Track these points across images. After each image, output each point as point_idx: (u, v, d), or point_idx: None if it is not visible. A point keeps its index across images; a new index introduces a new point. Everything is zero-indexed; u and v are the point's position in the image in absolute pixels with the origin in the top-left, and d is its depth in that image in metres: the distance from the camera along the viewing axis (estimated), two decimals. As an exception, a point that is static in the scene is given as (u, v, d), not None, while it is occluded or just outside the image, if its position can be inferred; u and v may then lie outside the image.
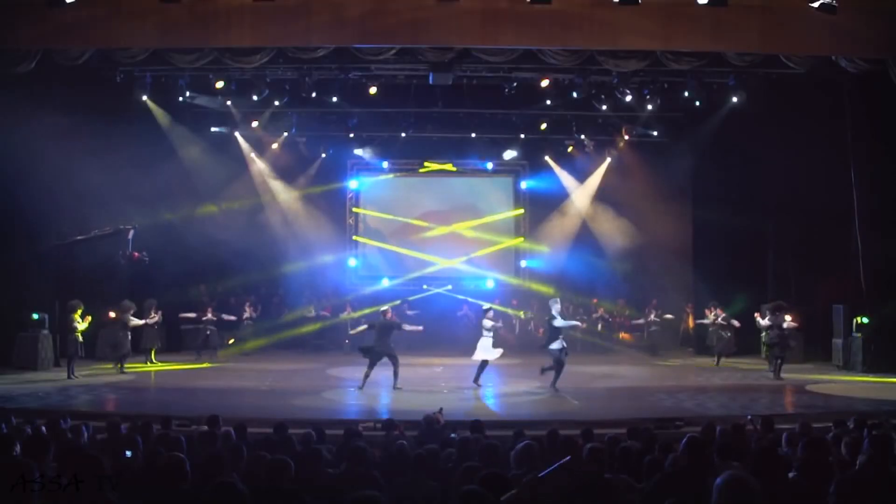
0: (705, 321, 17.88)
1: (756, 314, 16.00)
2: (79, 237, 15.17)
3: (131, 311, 16.01)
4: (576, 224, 21.99)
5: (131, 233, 15.25)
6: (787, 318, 15.64)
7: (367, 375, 13.59)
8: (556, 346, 13.61)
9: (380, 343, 13.78)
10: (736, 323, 17.03)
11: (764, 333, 15.83)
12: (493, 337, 14.46)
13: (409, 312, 19.61)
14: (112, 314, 17.25)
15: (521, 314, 20.20)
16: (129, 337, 15.82)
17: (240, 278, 20.39)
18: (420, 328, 15.34)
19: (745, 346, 17.56)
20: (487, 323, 14.49)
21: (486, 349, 14.27)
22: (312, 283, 20.84)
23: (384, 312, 14.63)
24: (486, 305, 15.85)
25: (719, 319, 17.47)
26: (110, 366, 15.71)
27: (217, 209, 19.44)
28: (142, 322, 16.19)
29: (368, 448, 6.03)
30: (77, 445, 6.47)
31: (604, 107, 17.77)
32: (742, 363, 17.24)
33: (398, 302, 20.04)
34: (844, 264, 16.24)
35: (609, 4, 11.75)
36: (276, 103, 17.64)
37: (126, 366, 15.64)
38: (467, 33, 12.47)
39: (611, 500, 4.44)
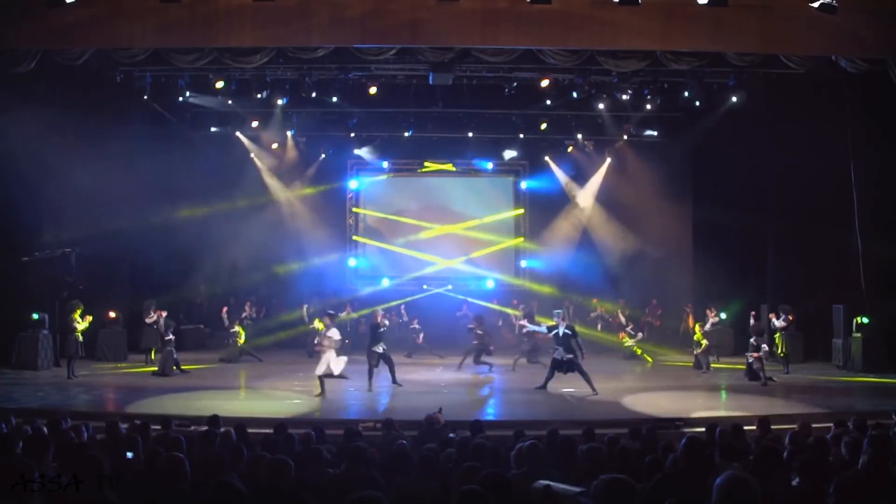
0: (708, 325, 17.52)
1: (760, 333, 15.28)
2: (25, 258, 15.01)
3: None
4: (576, 224, 22.02)
5: (73, 256, 15.11)
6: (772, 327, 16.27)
7: (370, 376, 13.66)
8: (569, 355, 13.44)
9: (371, 344, 13.93)
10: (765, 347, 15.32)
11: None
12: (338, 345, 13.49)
13: (412, 325, 19.60)
14: (112, 314, 17.27)
15: (519, 313, 20.17)
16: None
17: (240, 278, 20.40)
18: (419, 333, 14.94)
19: (744, 346, 17.53)
20: (333, 334, 13.44)
21: (331, 360, 13.25)
22: (313, 283, 20.84)
23: (374, 314, 14.67)
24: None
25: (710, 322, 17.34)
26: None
27: (217, 209, 19.43)
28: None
29: (368, 448, 6.03)
30: (77, 445, 6.47)
31: (603, 106, 17.76)
32: (742, 363, 17.22)
33: (397, 302, 20.06)
34: (844, 264, 16.22)
35: (609, 4, 11.74)
36: (277, 103, 17.66)
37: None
38: (467, 33, 12.46)
39: None
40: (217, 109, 18.58)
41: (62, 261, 15.33)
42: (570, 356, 13.35)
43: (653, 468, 5.48)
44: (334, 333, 13.38)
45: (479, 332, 16.41)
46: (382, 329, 14.17)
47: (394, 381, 13.87)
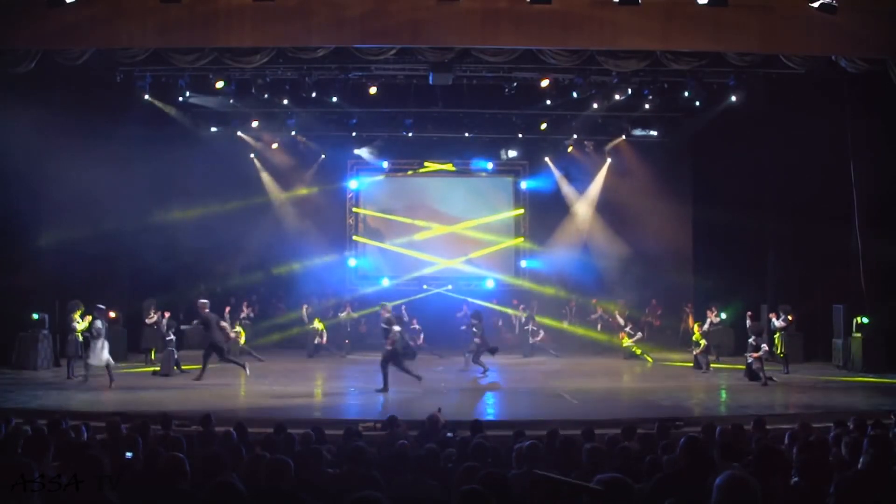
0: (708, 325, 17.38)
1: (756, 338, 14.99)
2: None
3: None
4: (576, 224, 22.03)
5: None
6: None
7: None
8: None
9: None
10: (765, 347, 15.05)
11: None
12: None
13: (412, 326, 19.58)
14: (112, 314, 17.24)
15: (523, 315, 20.13)
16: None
17: (240, 278, 20.40)
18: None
19: (744, 346, 17.53)
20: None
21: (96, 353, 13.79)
22: (313, 283, 20.85)
23: (202, 306, 15.03)
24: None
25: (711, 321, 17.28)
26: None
27: (216, 209, 19.43)
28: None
29: (368, 448, 6.03)
30: (77, 445, 6.47)
31: (596, 105, 17.74)
32: (742, 363, 17.21)
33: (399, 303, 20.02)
34: (844, 264, 16.23)
35: (609, 4, 11.74)
36: (282, 102, 17.66)
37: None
38: (467, 33, 12.46)
39: None
40: (217, 109, 18.60)
41: None
42: (388, 349, 13.54)
43: (653, 468, 5.47)
44: (98, 324, 13.86)
45: (474, 329, 16.33)
46: (204, 323, 14.56)
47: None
